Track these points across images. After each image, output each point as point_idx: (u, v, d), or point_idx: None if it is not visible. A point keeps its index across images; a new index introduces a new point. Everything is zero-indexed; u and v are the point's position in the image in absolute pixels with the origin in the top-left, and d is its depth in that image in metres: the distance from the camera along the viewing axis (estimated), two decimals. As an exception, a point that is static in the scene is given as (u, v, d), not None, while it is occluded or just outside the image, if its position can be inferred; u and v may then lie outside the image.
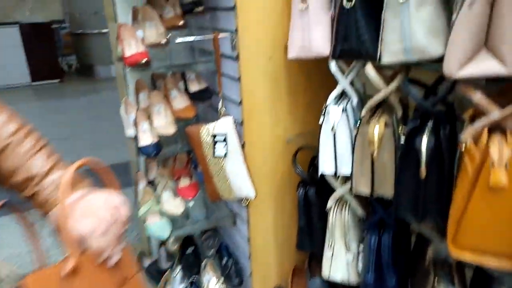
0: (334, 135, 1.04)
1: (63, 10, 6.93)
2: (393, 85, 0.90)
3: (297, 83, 1.40)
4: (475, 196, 0.69)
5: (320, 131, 1.08)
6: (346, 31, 0.95)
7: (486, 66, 0.68)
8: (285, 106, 1.40)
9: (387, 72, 1.00)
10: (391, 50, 0.86)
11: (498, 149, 0.65)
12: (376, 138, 0.88)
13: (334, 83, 1.46)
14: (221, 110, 1.34)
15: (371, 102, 0.94)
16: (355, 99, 1.07)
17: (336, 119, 1.02)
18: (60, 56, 6.94)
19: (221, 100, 1.35)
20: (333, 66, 1.06)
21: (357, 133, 0.94)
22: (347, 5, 0.92)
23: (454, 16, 0.82)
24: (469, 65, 0.70)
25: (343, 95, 1.12)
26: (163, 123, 1.38)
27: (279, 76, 1.35)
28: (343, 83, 1.07)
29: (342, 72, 1.09)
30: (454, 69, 0.70)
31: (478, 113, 0.81)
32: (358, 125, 0.95)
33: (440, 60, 0.81)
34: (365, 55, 0.94)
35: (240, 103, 1.32)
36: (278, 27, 1.29)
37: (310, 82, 1.43)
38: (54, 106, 5.42)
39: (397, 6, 0.82)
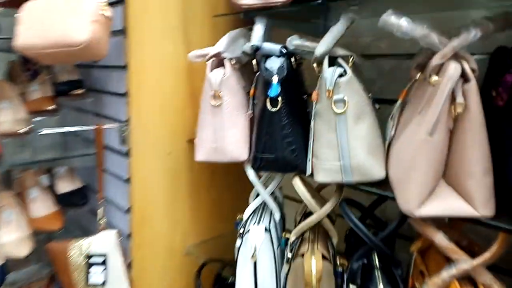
0: (255, 262, 0.82)
1: None
2: (328, 207, 0.74)
3: (200, 182, 1.18)
4: None
5: (236, 256, 0.86)
6: (270, 138, 0.78)
7: (451, 205, 0.56)
8: (186, 210, 1.16)
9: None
10: (327, 168, 0.71)
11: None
12: (314, 277, 0.69)
13: (241, 180, 1.28)
14: (102, 220, 1.03)
15: (302, 227, 0.76)
16: (277, 214, 0.89)
17: (257, 243, 0.81)
18: None
19: (102, 206, 1.04)
20: (251, 175, 0.88)
21: (289, 270, 0.74)
22: (271, 108, 0.77)
23: (390, 133, 0.72)
24: (430, 201, 0.57)
25: (259, 208, 0.93)
26: (14, 239, 0.98)
27: (179, 174, 1.12)
28: (263, 195, 0.88)
29: (259, 176, 0.91)
30: (414, 205, 0.57)
31: (428, 246, 0.69)
32: (289, 259, 0.74)
33: (380, 182, 0.69)
34: (293, 168, 0.78)
35: (129, 210, 1.03)
36: (179, 118, 1.09)
37: (215, 179, 1.22)
38: None
39: (333, 117, 0.69)
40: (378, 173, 0.68)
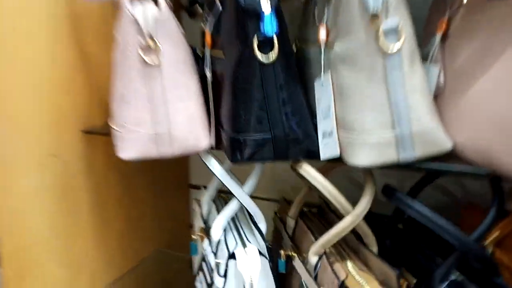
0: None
1: None
2: (365, 203, 0.49)
3: (108, 192, 0.80)
4: None
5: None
6: (260, 109, 0.48)
7: None
8: (90, 240, 0.76)
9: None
10: (372, 144, 0.45)
11: None
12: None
13: (164, 179, 0.97)
14: None
15: (328, 240, 0.49)
16: (263, 224, 0.59)
17: (254, 276, 0.50)
18: None
19: None
20: (217, 169, 0.56)
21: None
22: (262, 59, 0.46)
23: (435, 82, 0.51)
24: None
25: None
26: None
27: (73, 187, 0.71)
28: (243, 198, 0.57)
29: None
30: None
31: (504, 237, 0.50)
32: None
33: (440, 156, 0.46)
34: (300, 152, 0.50)
35: (-6, 261, 0.59)
36: (66, 97, 0.68)
37: (129, 184, 0.84)
38: None
39: (379, 60, 0.43)
40: (445, 142, 0.45)
